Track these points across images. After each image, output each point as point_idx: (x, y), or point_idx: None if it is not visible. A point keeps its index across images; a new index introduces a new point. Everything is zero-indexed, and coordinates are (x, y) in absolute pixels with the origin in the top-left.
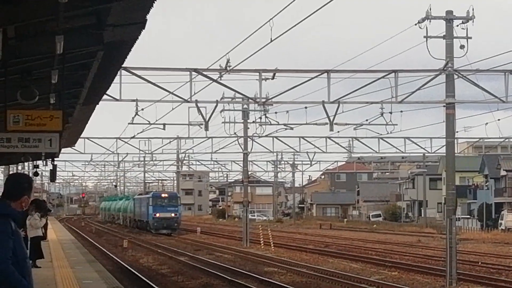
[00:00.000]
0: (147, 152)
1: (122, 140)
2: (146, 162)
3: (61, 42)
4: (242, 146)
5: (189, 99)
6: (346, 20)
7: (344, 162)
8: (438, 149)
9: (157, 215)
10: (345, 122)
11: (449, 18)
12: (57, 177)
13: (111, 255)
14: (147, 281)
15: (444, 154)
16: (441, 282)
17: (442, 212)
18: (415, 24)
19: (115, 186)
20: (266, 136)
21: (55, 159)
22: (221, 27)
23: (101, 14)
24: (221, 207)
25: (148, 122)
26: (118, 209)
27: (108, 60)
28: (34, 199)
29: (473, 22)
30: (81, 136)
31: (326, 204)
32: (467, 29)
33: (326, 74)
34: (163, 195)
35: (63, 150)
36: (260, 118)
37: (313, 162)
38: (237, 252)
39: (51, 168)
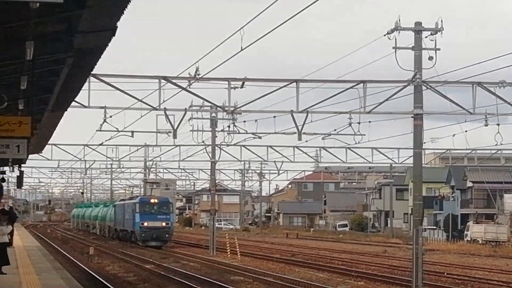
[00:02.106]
0: (114, 159)
1: (90, 147)
2: (113, 170)
3: (31, 48)
4: (210, 155)
5: (157, 107)
6: (315, 30)
7: (311, 172)
8: (405, 159)
9: (145, 224)
10: (314, 132)
11: (418, 30)
12: (23, 184)
13: (77, 262)
14: None
15: (411, 165)
16: None
17: (408, 222)
18: (384, 35)
19: (82, 193)
20: (234, 144)
21: (22, 165)
22: (191, 35)
23: (71, 21)
24: (188, 215)
25: (116, 130)
26: (94, 217)
27: (77, 66)
28: (8, 211)
29: (441, 33)
30: (49, 142)
31: (293, 214)
32: (435, 40)
33: (295, 83)
34: (152, 200)
35: (30, 156)
36: (229, 126)
37: (280, 171)
38: (204, 261)
39: (18, 174)
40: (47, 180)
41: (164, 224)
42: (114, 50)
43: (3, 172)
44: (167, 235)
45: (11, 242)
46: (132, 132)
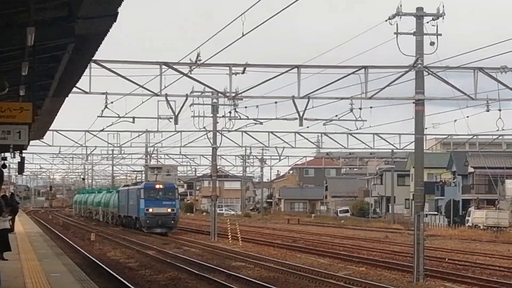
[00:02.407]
0: (115, 145)
1: (91, 133)
2: (114, 156)
3: (32, 34)
4: (211, 140)
5: (159, 93)
6: (317, 15)
7: (312, 158)
8: (407, 145)
9: (150, 210)
10: (315, 117)
11: (419, 15)
12: (24, 170)
13: (78, 248)
14: (115, 274)
15: (413, 151)
16: (408, 278)
17: (409, 208)
18: (386, 21)
19: (83, 179)
20: (235, 130)
21: (23, 151)
22: (192, 20)
23: (72, 6)
24: (189, 201)
25: (117, 116)
26: (97, 203)
27: (78, 52)
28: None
29: (443, 19)
30: (50, 128)
31: (294, 199)
32: (437, 26)
33: (296, 69)
34: (157, 186)
35: (31, 142)
36: (230, 112)
37: (281, 157)
38: (205, 247)
39: (19, 160)
40: (48, 166)
41: (169, 210)
42: (115, 36)
43: (5, 158)
44: (172, 222)
45: (12, 228)
46: (133, 118)
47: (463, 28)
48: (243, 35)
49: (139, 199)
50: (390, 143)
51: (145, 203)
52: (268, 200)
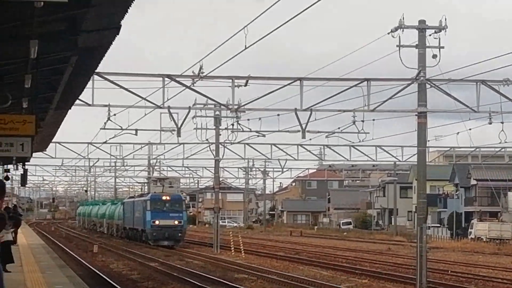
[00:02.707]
0: (118, 157)
1: (94, 145)
2: (117, 168)
3: (35, 47)
4: (214, 153)
5: (161, 105)
6: (320, 28)
7: (315, 170)
8: (409, 157)
9: (157, 222)
10: (317, 130)
11: (421, 28)
12: (27, 182)
13: (81, 260)
14: (118, 286)
15: (415, 163)
16: None
17: (412, 220)
18: (388, 33)
19: (86, 191)
20: (238, 142)
21: (26, 163)
22: (195, 34)
23: (75, 20)
24: (191, 213)
25: (120, 128)
26: (101, 215)
27: (81, 65)
28: (13, 216)
29: (445, 31)
30: (53, 140)
31: (296, 211)
32: (439, 38)
33: (299, 81)
34: (164, 197)
35: (34, 154)
36: (232, 124)
37: (284, 169)
38: (208, 259)
39: (22, 172)
40: (51, 178)
41: (176, 222)
42: (118, 48)
43: (7, 170)
44: (180, 234)
45: (15, 240)
46: (136, 130)
47: (465, 41)
48: (245, 48)
49: (145, 210)
50: (393, 156)
51: (151, 215)
52: (270, 212)
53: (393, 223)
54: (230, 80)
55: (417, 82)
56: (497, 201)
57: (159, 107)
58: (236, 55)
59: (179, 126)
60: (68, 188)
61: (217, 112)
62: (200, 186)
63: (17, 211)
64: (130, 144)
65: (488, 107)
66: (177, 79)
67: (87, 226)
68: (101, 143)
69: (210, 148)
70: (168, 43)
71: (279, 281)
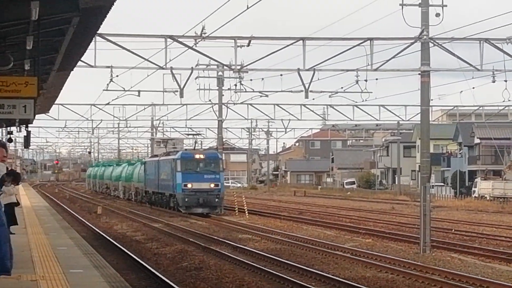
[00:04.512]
0: (121, 118)
1: (97, 107)
2: (120, 129)
3: (36, 8)
4: (217, 113)
5: (164, 66)
6: None
7: (318, 130)
8: (413, 117)
9: (190, 186)
10: (320, 89)
11: None
12: (30, 144)
13: (85, 221)
14: (122, 247)
15: (419, 122)
16: (415, 249)
17: (416, 179)
18: None
19: (89, 152)
20: (241, 103)
21: (29, 125)
22: None
23: None
24: None
25: (123, 89)
26: (116, 177)
27: (83, 26)
28: (11, 171)
29: None
30: (56, 102)
31: (300, 172)
32: None
33: (301, 41)
34: (197, 155)
35: (37, 116)
36: (235, 85)
37: (287, 130)
38: (212, 219)
39: (25, 134)
40: (54, 140)
41: (213, 185)
42: (120, 9)
43: (11, 132)
44: (217, 200)
45: (18, 202)
46: (139, 91)
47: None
48: (247, 8)
49: (175, 172)
50: (396, 115)
51: (182, 177)
52: (274, 173)
53: (396, 183)
54: (233, 41)
55: (420, 41)
56: (500, 160)
57: (161, 68)
58: (238, 15)
59: (181, 87)
60: (72, 150)
61: (220, 73)
62: (203, 147)
63: (16, 172)
64: (133, 106)
65: (491, 65)
66: (179, 39)
67: (99, 189)
68: (104, 104)
69: (213, 109)
70: (171, 3)
71: (283, 241)
